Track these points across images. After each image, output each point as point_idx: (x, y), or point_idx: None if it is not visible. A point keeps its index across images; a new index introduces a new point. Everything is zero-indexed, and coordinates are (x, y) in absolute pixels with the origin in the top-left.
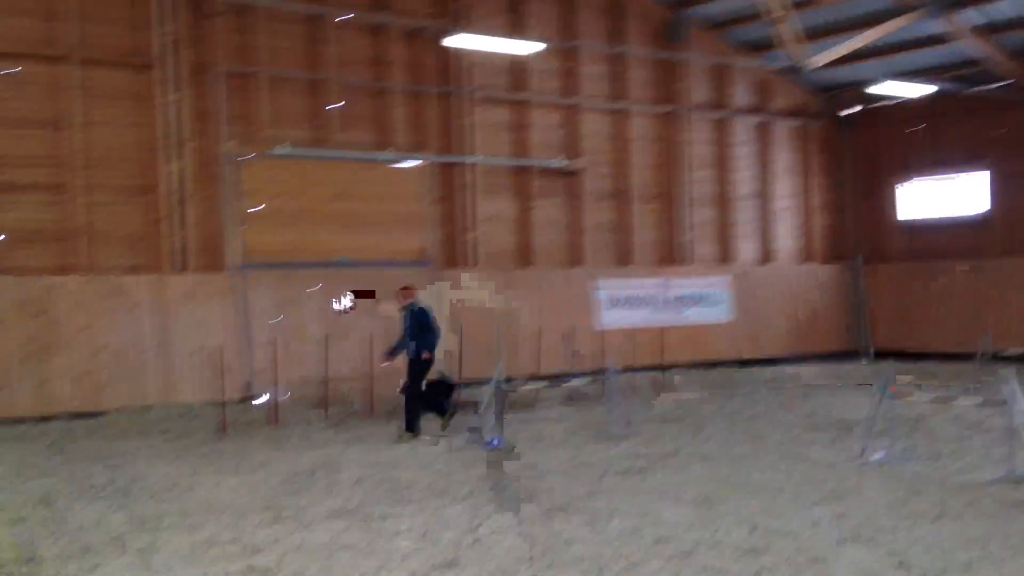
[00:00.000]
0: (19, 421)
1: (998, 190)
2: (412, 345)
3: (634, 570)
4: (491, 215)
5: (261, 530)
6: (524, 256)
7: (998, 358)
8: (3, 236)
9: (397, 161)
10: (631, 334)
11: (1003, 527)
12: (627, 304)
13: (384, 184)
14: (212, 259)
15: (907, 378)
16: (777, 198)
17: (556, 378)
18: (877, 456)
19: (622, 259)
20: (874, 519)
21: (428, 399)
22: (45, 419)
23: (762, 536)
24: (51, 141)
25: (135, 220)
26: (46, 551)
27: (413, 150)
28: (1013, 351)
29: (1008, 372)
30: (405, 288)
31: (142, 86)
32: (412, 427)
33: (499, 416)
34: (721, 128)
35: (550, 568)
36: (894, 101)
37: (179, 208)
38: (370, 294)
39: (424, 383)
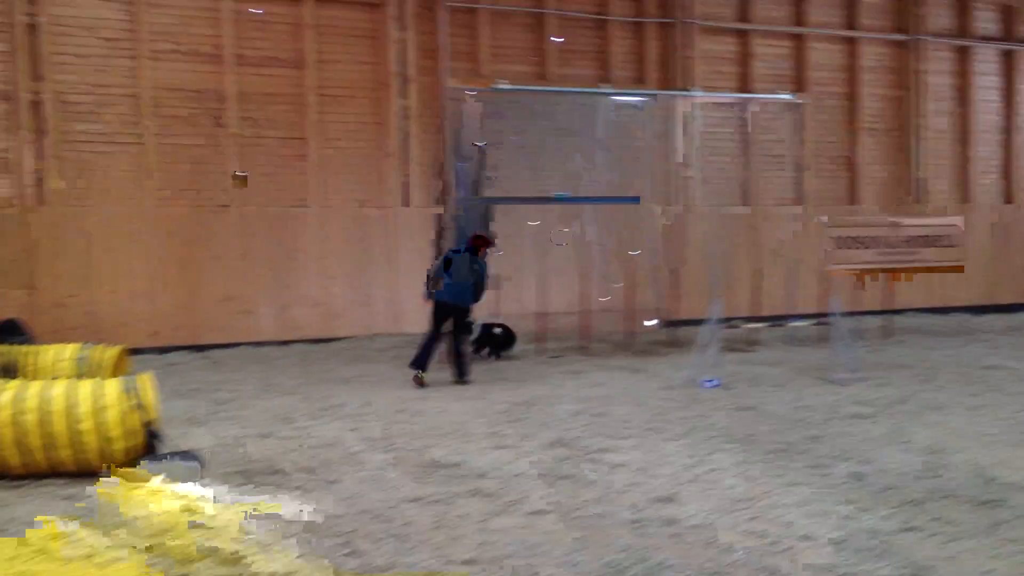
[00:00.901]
0: (263, 344)
1: None
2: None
3: (859, 517)
4: (712, 150)
5: (484, 456)
6: (743, 194)
7: None
8: (246, 173)
9: (616, 95)
10: (858, 276)
11: None
12: (854, 244)
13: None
14: (436, 194)
15: None
16: (1021, 132)
17: (777, 319)
18: None
19: (849, 198)
20: None
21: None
22: (286, 343)
23: (998, 489)
24: (291, 80)
25: (365, 155)
26: (289, 465)
27: (633, 84)
28: None
29: None
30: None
31: (373, 24)
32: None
33: (716, 356)
34: (961, 57)
35: (772, 509)
36: None
37: (404, 144)
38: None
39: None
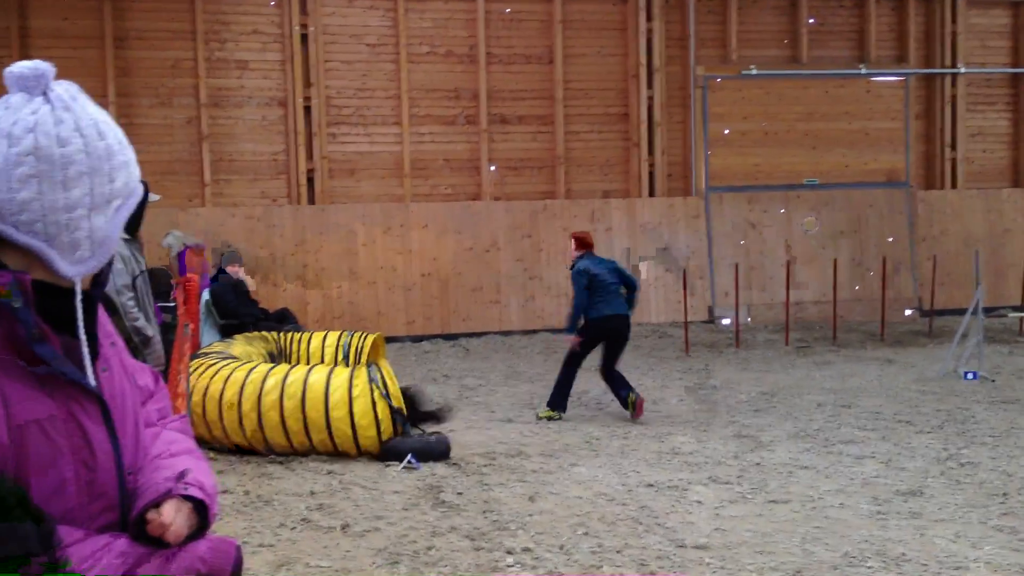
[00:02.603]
0: (510, 333)
1: None
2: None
3: None
4: (977, 130)
5: (723, 445)
6: (1016, 175)
7: None
8: (494, 167)
9: (874, 75)
10: None
11: None
12: None
13: (857, 102)
14: (680, 184)
15: None
16: None
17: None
18: None
19: None
20: None
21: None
22: (531, 332)
23: None
24: (539, 75)
25: (609, 147)
26: (532, 448)
27: (892, 64)
28: None
29: None
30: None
31: (620, 16)
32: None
33: (978, 347)
34: None
35: None
36: None
37: (649, 134)
38: None
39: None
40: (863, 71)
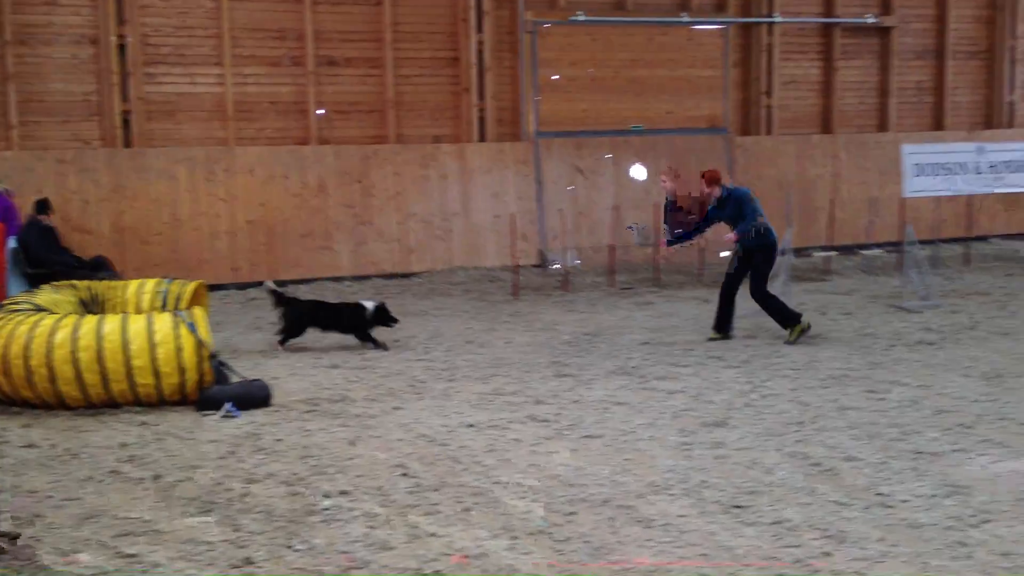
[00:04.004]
0: (341, 279)
1: None
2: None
3: (906, 439)
4: (791, 79)
5: (544, 384)
6: (825, 121)
7: None
8: (323, 111)
9: (695, 24)
10: (938, 203)
11: None
12: (935, 171)
13: (680, 49)
14: (509, 129)
15: None
16: None
17: (852, 247)
18: None
19: (933, 123)
20: None
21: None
22: (362, 278)
23: None
24: (367, 16)
25: (440, 92)
26: (356, 393)
27: (712, 12)
28: None
29: None
30: (710, 172)
31: None
32: (790, 320)
33: (786, 285)
34: None
35: (820, 432)
36: None
37: (479, 79)
38: None
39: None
40: (685, 19)
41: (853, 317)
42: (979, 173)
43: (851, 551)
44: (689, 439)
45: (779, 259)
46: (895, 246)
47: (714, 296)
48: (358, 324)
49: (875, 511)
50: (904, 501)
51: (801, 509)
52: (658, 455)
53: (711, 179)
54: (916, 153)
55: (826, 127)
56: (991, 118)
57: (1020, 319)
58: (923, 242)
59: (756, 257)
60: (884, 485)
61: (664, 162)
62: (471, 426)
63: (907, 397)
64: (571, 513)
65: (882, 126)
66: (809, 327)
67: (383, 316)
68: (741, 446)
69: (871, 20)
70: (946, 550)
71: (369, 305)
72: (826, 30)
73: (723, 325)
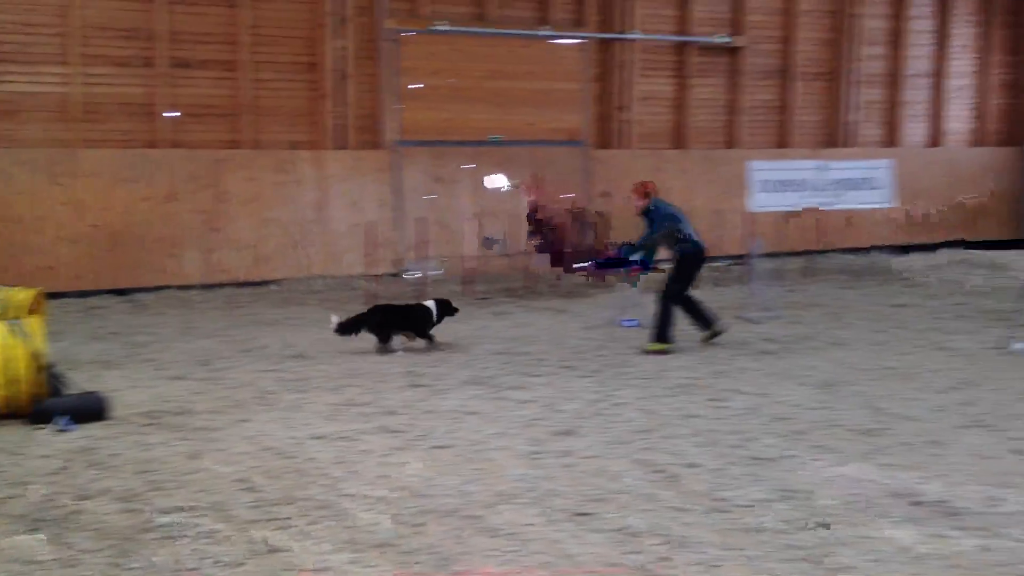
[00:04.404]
0: (188, 287)
1: None
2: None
3: (745, 445)
4: (646, 94)
5: (397, 394)
6: (679, 137)
7: None
8: (178, 112)
9: (554, 38)
10: (784, 217)
11: None
12: (782, 187)
13: (540, 62)
14: (369, 137)
15: None
16: (952, 76)
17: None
18: (1018, 346)
19: (780, 141)
20: (1002, 407)
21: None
22: (213, 286)
23: (882, 419)
24: (224, 18)
25: (298, 97)
26: (200, 406)
27: (571, 27)
28: None
29: None
30: (636, 185)
31: None
32: (662, 337)
33: (637, 296)
34: (897, 1)
35: (665, 439)
36: None
37: (340, 85)
38: None
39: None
40: (545, 33)
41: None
42: (821, 190)
43: (690, 555)
44: (539, 448)
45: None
46: (741, 259)
47: (570, 306)
48: (427, 323)
49: (714, 516)
50: (741, 506)
51: (644, 515)
52: (508, 464)
53: (636, 192)
54: (762, 170)
55: (679, 142)
56: (833, 137)
57: (854, 330)
58: (767, 255)
59: (680, 265)
60: (723, 490)
61: (526, 173)
62: (320, 438)
63: (747, 405)
64: (419, 524)
65: (731, 143)
66: (672, 351)
67: (448, 309)
68: (589, 454)
69: (723, 40)
70: (780, 552)
71: (431, 304)
72: (680, 48)
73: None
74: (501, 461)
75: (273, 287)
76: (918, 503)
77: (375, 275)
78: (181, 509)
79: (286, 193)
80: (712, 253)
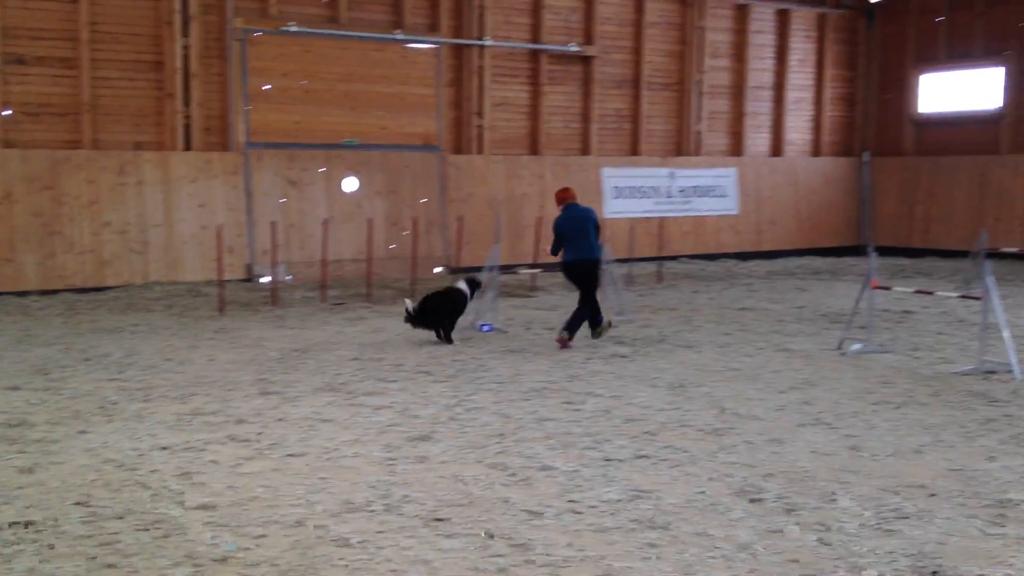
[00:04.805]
0: (24, 294)
1: (1012, 85)
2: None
3: (598, 446)
4: (501, 101)
5: (247, 403)
6: (534, 143)
7: (995, 256)
8: (9, 111)
9: (408, 42)
10: (634, 224)
11: (961, 416)
12: (631, 194)
13: (394, 66)
14: (218, 138)
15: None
16: (791, 89)
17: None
18: (855, 347)
19: (632, 148)
20: (839, 406)
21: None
22: (50, 292)
23: (728, 419)
24: (62, 14)
25: (142, 97)
26: (37, 417)
27: (425, 32)
28: (1007, 250)
29: (987, 269)
30: (557, 192)
31: None
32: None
33: (494, 301)
34: (740, 15)
35: (520, 443)
36: None
37: (186, 85)
38: None
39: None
40: (398, 37)
41: (556, 331)
42: (670, 197)
43: (540, 558)
44: (393, 454)
45: (488, 275)
46: None
47: None
48: (461, 307)
49: (565, 518)
50: (592, 507)
51: (497, 519)
52: (362, 471)
53: (556, 198)
54: (614, 176)
55: (534, 148)
56: (682, 146)
57: (702, 333)
58: (620, 260)
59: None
60: (575, 492)
61: (378, 177)
62: (165, 448)
63: (600, 407)
64: (262, 536)
65: (585, 149)
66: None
67: (477, 285)
68: (444, 459)
69: (574, 49)
70: (629, 553)
71: (463, 286)
72: (534, 56)
73: (569, 328)
74: (355, 468)
75: (111, 293)
76: (758, 500)
77: (223, 281)
78: (15, 524)
79: (128, 196)
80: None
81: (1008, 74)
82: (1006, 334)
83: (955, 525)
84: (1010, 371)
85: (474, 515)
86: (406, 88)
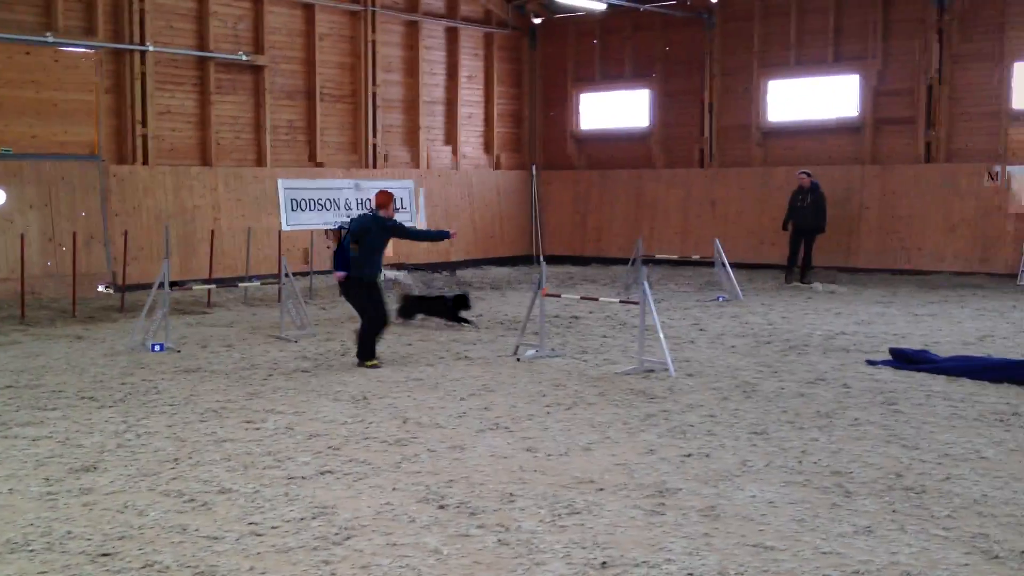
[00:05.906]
0: None
1: (657, 104)
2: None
3: (280, 465)
4: (166, 109)
5: None
6: (203, 154)
7: (651, 262)
8: None
9: (61, 45)
10: (315, 236)
11: (624, 413)
12: (311, 206)
13: (47, 71)
14: None
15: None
16: (463, 104)
17: (233, 280)
18: (529, 353)
19: (310, 160)
20: (516, 410)
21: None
22: None
23: (411, 429)
24: None
25: None
26: None
27: (81, 35)
28: (662, 256)
29: (643, 275)
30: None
31: None
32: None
33: (163, 319)
34: (411, 31)
35: (196, 466)
36: (575, 14)
37: None
38: None
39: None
40: (50, 40)
41: (234, 349)
42: (355, 209)
43: None
44: (54, 488)
45: (156, 292)
46: (275, 277)
47: (88, 331)
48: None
49: (246, 541)
50: (274, 527)
51: (173, 549)
52: (18, 509)
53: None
54: (291, 188)
55: (205, 159)
56: (362, 158)
57: (383, 344)
58: (300, 274)
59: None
60: (256, 514)
61: (39, 189)
62: None
63: (282, 424)
64: None
65: (260, 160)
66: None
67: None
68: (112, 490)
69: (244, 58)
70: (312, 570)
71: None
72: (201, 64)
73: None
74: (11, 504)
75: None
76: (443, 506)
77: None
78: None
79: None
80: (244, 273)
81: (653, 94)
82: (661, 335)
83: (621, 516)
84: (666, 369)
85: (145, 547)
86: (61, 94)
